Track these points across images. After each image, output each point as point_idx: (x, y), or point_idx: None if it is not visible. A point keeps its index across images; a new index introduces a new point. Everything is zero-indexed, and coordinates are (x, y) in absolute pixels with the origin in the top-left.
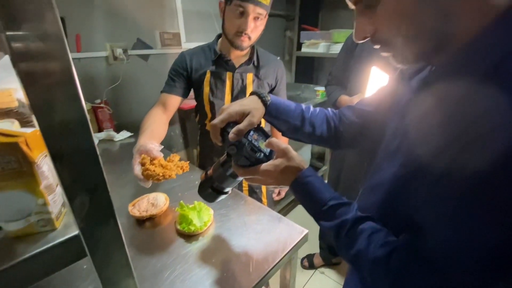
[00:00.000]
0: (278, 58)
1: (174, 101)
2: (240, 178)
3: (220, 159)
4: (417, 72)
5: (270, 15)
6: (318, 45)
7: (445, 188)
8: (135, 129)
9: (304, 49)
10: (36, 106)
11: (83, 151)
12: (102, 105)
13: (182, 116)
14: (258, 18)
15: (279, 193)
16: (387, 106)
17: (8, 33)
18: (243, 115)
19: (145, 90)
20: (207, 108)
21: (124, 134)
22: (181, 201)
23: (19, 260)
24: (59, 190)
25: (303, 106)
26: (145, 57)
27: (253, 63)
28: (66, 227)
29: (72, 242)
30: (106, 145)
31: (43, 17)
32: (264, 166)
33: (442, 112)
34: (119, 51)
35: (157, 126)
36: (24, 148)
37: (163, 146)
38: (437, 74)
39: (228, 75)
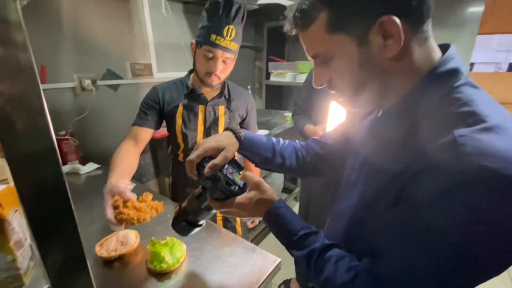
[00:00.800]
0: (249, 90)
1: (146, 134)
2: (214, 211)
3: (195, 192)
4: (369, 113)
5: (241, 47)
6: (285, 74)
7: (394, 216)
8: (103, 160)
9: (272, 78)
10: (4, 140)
11: (59, 211)
12: (67, 136)
13: (153, 144)
14: (225, 61)
15: (253, 221)
16: (346, 141)
17: None
18: (218, 150)
19: (114, 121)
20: (180, 139)
21: (91, 166)
22: (153, 238)
23: None
24: (27, 243)
25: (274, 139)
26: (115, 87)
27: (224, 96)
28: (35, 282)
29: None
30: (71, 179)
31: (13, 46)
32: (239, 199)
33: (388, 152)
34: (87, 82)
35: (128, 161)
36: None
37: (135, 184)
38: (382, 119)
39: (200, 108)
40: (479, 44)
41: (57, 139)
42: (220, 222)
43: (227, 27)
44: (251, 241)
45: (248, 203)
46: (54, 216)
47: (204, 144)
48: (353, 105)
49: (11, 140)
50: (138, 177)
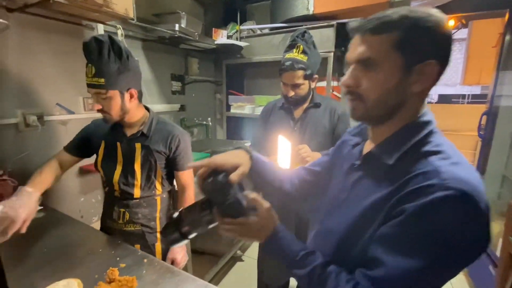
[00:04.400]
0: (209, 122)
1: (68, 160)
2: (212, 225)
3: (197, 203)
4: (356, 145)
5: (201, 81)
6: (244, 107)
7: (388, 228)
8: (47, 201)
9: (233, 110)
10: None
11: None
12: (4, 177)
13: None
14: (99, 97)
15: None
16: (331, 167)
17: None
18: (233, 166)
19: None
20: (101, 173)
21: None
22: (100, 282)
23: None
24: None
25: (273, 163)
26: (64, 123)
27: (142, 133)
28: None
29: None
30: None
31: None
32: (248, 220)
33: (379, 176)
34: (32, 118)
35: (39, 179)
36: None
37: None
38: (378, 149)
39: (118, 145)
40: None
41: None
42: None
43: (88, 65)
44: (210, 281)
45: (254, 226)
46: None
47: (219, 158)
48: (360, 115)
49: None
50: (87, 217)
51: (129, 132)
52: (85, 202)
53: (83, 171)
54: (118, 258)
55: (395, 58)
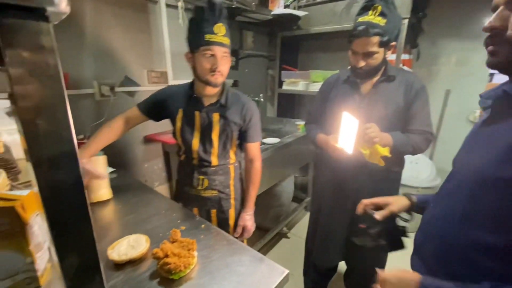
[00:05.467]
0: (261, 98)
1: (137, 117)
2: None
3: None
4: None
5: (255, 56)
6: (297, 83)
7: None
8: (118, 164)
9: (285, 87)
10: (29, 142)
11: (77, 214)
12: (85, 140)
13: (166, 150)
14: (224, 56)
15: (241, 234)
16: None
17: (11, 68)
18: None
19: None
20: (180, 141)
21: (107, 170)
22: (165, 241)
23: None
24: (46, 246)
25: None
26: (131, 94)
27: (220, 103)
28: (49, 285)
29: None
30: None
31: (42, 56)
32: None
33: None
34: (105, 89)
35: (102, 136)
36: (20, 211)
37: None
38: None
39: (196, 114)
40: None
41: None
42: (214, 218)
43: (216, 25)
44: (258, 251)
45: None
46: (72, 220)
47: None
48: (498, 63)
49: (36, 144)
50: (150, 182)
51: (207, 102)
52: (148, 168)
53: (146, 140)
54: (179, 221)
55: None
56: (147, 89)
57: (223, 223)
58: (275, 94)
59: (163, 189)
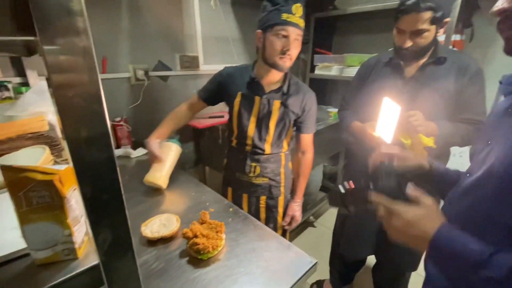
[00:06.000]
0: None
1: (199, 105)
2: (371, 207)
3: (363, 186)
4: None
5: None
6: (331, 68)
7: None
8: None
9: (317, 71)
10: (65, 122)
11: (110, 192)
12: (121, 123)
13: (196, 134)
14: (297, 39)
15: (290, 223)
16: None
17: (45, 47)
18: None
19: (163, 110)
20: (235, 125)
21: (140, 151)
22: (194, 221)
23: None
24: (83, 220)
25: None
26: (164, 78)
27: (282, 91)
28: (87, 257)
29: (93, 272)
30: (123, 162)
31: (78, 43)
32: (405, 207)
33: None
34: (140, 73)
35: (172, 121)
36: (58, 184)
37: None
38: None
39: (256, 99)
40: None
41: (113, 125)
42: (263, 212)
43: (295, 5)
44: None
45: (413, 215)
46: (105, 197)
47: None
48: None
49: (71, 124)
50: (181, 165)
51: (268, 88)
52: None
53: None
54: (207, 203)
55: None
56: (179, 73)
57: (272, 210)
58: (306, 79)
59: (193, 172)
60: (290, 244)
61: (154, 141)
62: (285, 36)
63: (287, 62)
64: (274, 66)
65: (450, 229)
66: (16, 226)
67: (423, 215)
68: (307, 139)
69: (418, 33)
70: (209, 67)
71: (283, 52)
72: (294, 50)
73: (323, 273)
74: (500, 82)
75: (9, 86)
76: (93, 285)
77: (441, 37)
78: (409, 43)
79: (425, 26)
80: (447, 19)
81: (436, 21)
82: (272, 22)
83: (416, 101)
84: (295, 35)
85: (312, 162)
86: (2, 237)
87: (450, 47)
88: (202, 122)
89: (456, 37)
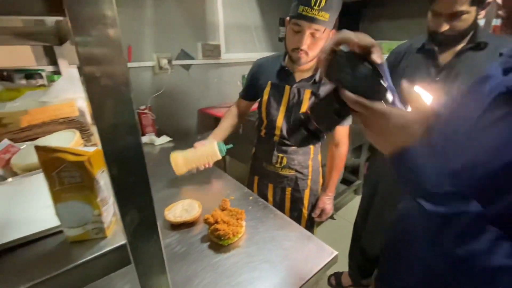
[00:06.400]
0: None
1: (244, 105)
2: (341, 118)
3: (326, 96)
4: None
5: None
6: None
7: None
8: (174, 134)
9: None
10: (95, 108)
11: (136, 174)
12: (146, 111)
13: (216, 123)
14: (312, 35)
15: (320, 215)
16: None
17: (76, 38)
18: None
19: (186, 98)
20: (264, 115)
21: (164, 139)
22: (216, 208)
23: (76, 263)
24: (111, 201)
25: None
26: (187, 67)
27: (314, 80)
28: (114, 236)
29: (120, 251)
30: (147, 149)
31: (107, 31)
32: (384, 106)
33: None
34: (164, 62)
35: (223, 125)
36: (88, 166)
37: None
38: None
39: (286, 88)
40: None
41: (137, 113)
42: (288, 203)
43: None
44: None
45: (391, 118)
46: (132, 179)
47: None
48: None
49: (100, 112)
50: None
51: (299, 77)
52: (201, 140)
53: (200, 113)
54: (228, 191)
55: None
56: (201, 62)
57: (297, 202)
58: None
59: None
60: (310, 235)
61: (203, 142)
62: (299, 32)
63: (302, 58)
64: (290, 58)
65: (423, 152)
66: (49, 205)
67: (411, 121)
68: (342, 131)
69: (456, 15)
70: (231, 56)
71: (296, 48)
72: (310, 46)
73: (340, 265)
74: (501, 54)
75: (43, 74)
76: (121, 264)
77: (481, 22)
78: (445, 27)
79: (464, 7)
80: (490, 0)
81: (477, 2)
82: (290, 14)
83: (450, 90)
84: (311, 30)
85: (346, 156)
86: (36, 214)
87: (489, 31)
88: (222, 112)
89: (497, 22)
